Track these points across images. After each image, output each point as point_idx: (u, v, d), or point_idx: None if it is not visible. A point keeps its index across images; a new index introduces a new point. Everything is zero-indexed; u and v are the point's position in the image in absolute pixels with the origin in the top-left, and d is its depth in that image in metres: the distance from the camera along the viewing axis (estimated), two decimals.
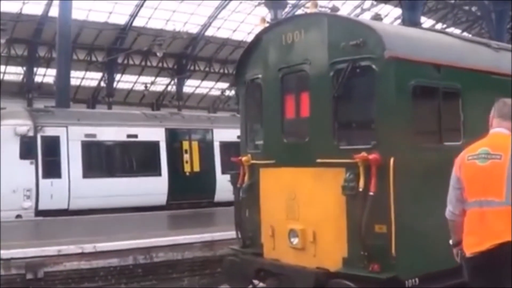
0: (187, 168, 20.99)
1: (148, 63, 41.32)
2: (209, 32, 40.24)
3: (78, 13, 31.33)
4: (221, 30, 40.45)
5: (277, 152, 7.67)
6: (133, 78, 42.97)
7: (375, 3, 35.12)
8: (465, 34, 32.30)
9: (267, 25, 13.67)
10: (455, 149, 4.99)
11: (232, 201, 8.50)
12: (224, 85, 44.92)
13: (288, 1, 27.52)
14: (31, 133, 17.70)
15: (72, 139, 18.33)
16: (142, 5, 35.61)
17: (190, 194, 20.52)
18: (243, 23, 39.08)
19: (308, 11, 21.99)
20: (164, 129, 20.62)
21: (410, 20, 23.19)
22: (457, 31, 32.26)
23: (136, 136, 19.92)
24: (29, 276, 10.17)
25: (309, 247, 7.05)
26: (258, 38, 8.33)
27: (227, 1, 37.17)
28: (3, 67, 36.59)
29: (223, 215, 13.09)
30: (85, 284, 10.65)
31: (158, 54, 32.56)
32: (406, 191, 6.40)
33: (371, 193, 6.31)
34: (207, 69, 44.55)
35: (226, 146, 20.83)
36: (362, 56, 6.67)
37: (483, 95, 6.92)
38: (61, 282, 10.45)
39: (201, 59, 43.32)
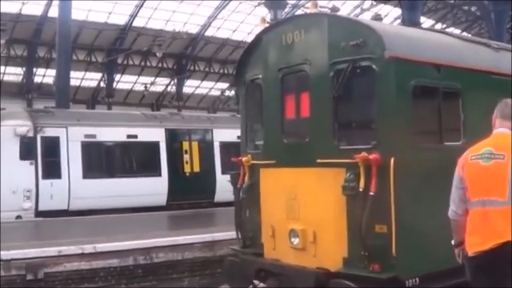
0: (187, 169, 20.96)
1: (148, 64, 41.30)
2: (209, 32, 40.24)
3: (78, 13, 31.32)
4: (221, 30, 40.45)
5: (277, 152, 7.67)
6: (133, 78, 42.94)
7: (374, 3, 35.16)
8: (464, 34, 32.30)
9: (267, 25, 13.66)
10: (455, 149, 5.01)
11: (232, 202, 8.49)
12: (224, 85, 44.92)
13: (288, 1, 27.55)
14: (31, 134, 17.68)
15: (72, 139, 18.30)
16: (142, 5, 35.61)
17: (190, 194, 20.49)
18: (243, 23, 39.09)
19: (308, 11, 22.00)
20: (164, 130, 20.59)
21: (410, 20, 23.22)
22: (456, 31, 32.24)
23: (136, 136, 19.89)
24: (29, 276, 10.15)
25: (310, 247, 7.04)
26: (258, 38, 8.32)
27: (227, 1, 37.15)
28: (2, 68, 36.59)
29: (223, 215, 13.07)
30: (85, 284, 10.64)
31: (158, 54, 32.59)
32: (406, 191, 6.40)
33: (371, 193, 6.30)
34: (207, 69, 44.55)
35: (226, 147, 20.82)
36: (362, 56, 6.67)
37: (483, 95, 6.94)
38: (61, 282, 10.44)
39: (201, 59, 43.32)
